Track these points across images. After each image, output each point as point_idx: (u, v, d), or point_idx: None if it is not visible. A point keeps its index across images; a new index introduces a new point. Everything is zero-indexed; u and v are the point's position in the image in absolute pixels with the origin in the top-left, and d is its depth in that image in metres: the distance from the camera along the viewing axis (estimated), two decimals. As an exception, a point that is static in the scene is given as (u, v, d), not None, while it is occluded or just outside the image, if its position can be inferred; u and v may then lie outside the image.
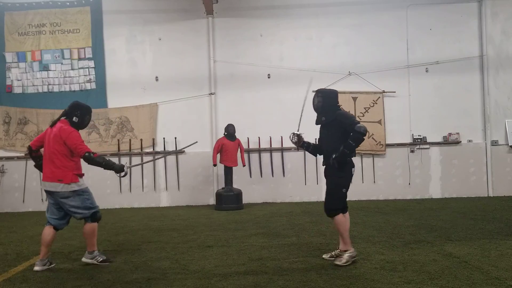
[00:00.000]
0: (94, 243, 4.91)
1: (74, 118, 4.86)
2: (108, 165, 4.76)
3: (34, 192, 10.28)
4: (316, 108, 4.84)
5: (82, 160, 4.72)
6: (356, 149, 4.58)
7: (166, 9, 10.50)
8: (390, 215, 7.82)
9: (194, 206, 10.15)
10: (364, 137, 4.49)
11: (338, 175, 4.63)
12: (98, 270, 4.69)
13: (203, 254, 5.25)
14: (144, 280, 4.26)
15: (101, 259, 4.90)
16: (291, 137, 4.98)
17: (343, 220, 4.68)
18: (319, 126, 4.91)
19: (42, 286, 4.18)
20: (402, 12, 10.41)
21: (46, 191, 4.75)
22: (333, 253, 4.85)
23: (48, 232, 4.75)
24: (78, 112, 4.89)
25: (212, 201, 10.19)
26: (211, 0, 10.01)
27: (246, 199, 9.78)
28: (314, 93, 4.87)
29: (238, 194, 9.40)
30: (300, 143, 5.00)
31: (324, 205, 4.75)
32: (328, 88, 4.99)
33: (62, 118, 4.90)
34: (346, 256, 4.60)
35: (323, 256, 4.89)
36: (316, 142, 5.28)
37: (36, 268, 4.70)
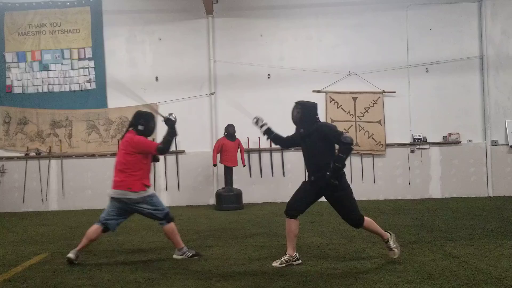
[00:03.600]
0: (179, 240, 5.08)
1: (139, 127, 4.99)
2: (170, 134, 4.93)
3: (34, 192, 10.28)
4: (294, 120, 4.74)
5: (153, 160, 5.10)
6: (357, 149, 4.55)
7: (166, 9, 10.50)
8: (390, 215, 7.82)
9: (194, 206, 10.14)
10: (352, 147, 4.41)
11: (344, 186, 4.52)
12: (98, 270, 4.69)
13: (203, 254, 5.25)
14: (144, 280, 4.26)
15: (191, 254, 5.09)
16: (256, 121, 4.99)
17: (369, 219, 4.65)
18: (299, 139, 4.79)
19: (42, 286, 4.18)
20: (402, 12, 10.41)
21: (114, 198, 4.93)
22: (282, 259, 4.66)
23: (95, 230, 4.97)
24: (142, 119, 5.03)
25: (212, 201, 10.18)
26: (211, 0, 10.01)
27: (246, 199, 9.78)
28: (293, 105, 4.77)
29: (238, 194, 9.40)
30: (262, 128, 4.94)
31: (350, 220, 4.59)
32: (307, 100, 4.90)
33: (130, 129, 5.08)
34: (392, 243, 4.63)
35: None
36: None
37: (70, 255, 4.89)
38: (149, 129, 5.06)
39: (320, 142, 4.52)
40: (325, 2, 10.44)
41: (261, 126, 4.99)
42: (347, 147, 4.36)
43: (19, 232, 7.27)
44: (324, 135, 4.52)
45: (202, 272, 4.49)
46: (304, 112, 4.65)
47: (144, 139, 4.95)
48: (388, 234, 4.69)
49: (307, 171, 4.73)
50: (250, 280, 4.16)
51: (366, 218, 4.62)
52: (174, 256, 5.12)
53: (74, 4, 10.50)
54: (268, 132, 4.98)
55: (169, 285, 4.09)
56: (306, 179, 4.74)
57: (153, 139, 5.14)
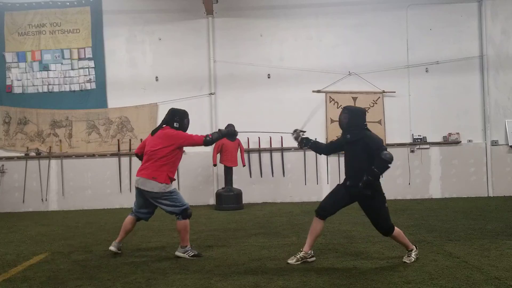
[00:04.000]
0: (187, 238, 5.13)
1: (175, 124, 5.13)
2: (225, 134, 5.41)
3: (34, 192, 10.28)
4: (341, 125, 4.75)
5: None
6: None
7: (166, 9, 10.49)
8: (390, 215, 7.80)
9: (194, 206, 10.10)
10: (390, 165, 4.40)
11: (377, 194, 4.52)
12: (98, 270, 4.69)
13: (203, 254, 5.25)
14: (144, 280, 4.26)
15: (192, 253, 5.12)
16: (293, 133, 5.07)
17: (398, 229, 4.68)
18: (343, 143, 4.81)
19: (42, 286, 4.18)
20: (402, 12, 10.41)
21: (137, 188, 5.06)
22: (298, 256, 4.73)
23: (130, 221, 5.23)
24: (177, 117, 5.16)
25: (212, 201, 10.18)
26: (211, 0, 10.01)
27: (246, 199, 9.77)
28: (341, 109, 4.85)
29: (238, 194, 9.40)
30: (299, 139, 5.00)
31: (380, 228, 4.62)
32: (356, 106, 4.92)
33: (164, 126, 5.16)
34: (413, 254, 4.65)
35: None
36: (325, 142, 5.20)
37: (111, 248, 5.16)
38: (184, 126, 5.20)
39: (362, 151, 4.52)
40: (325, 2, 10.44)
41: (299, 139, 5.02)
42: (384, 165, 4.36)
43: (19, 232, 7.27)
44: (367, 146, 4.50)
45: (202, 272, 4.49)
46: (351, 118, 4.65)
47: (185, 133, 5.14)
48: (414, 247, 4.74)
49: (345, 175, 4.75)
50: (250, 280, 4.16)
51: (396, 228, 4.65)
52: (176, 253, 5.16)
53: (74, 4, 10.50)
54: (306, 143, 5.00)
55: (169, 285, 4.09)
56: (341, 182, 4.78)
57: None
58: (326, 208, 4.66)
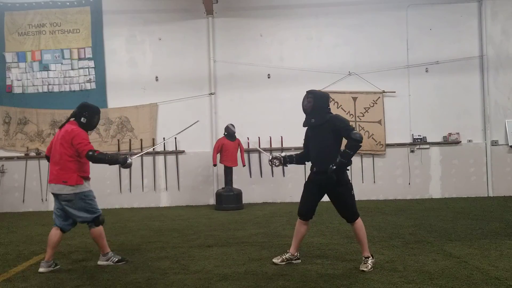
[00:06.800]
0: (105, 244, 4.87)
1: (82, 119, 4.81)
2: (112, 161, 4.77)
3: (34, 192, 10.28)
4: (305, 109, 4.64)
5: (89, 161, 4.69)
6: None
7: (166, 9, 10.50)
8: (390, 215, 7.81)
9: (194, 206, 10.14)
10: (360, 144, 4.36)
11: (345, 181, 4.48)
12: (98, 270, 4.69)
13: (203, 254, 5.25)
14: (144, 280, 4.26)
15: (116, 259, 4.90)
16: (272, 162, 4.93)
17: (362, 223, 4.58)
18: (306, 129, 4.77)
19: (42, 286, 4.18)
20: (402, 12, 10.41)
21: (53, 194, 4.72)
22: (284, 257, 4.73)
23: (54, 233, 4.71)
24: (86, 113, 4.84)
25: (212, 201, 10.18)
26: (211, 0, 10.01)
27: (246, 199, 9.77)
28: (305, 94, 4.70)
29: (238, 194, 9.40)
30: (284, 163, 4.90)
31: (346, 215, 4.54)
32: (319, 90, 4.85)
33: (71, 119, 4.86)
34: (370, 261, 4.46)
35: (274, 260, 4.73)
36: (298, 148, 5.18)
37: (41, 269, 4.63)
38: (92, 124, 4.91)
39: (329, 134, 4.46)
40: (325, 2, 10.44)
41: (282, 160, 4.91)
42: (355, 144, 4.31)
43: (19, 232, 7.27)
44: (334, 127, 4.44)
45: (202, 272, 4.49)
46: (315, 102, 4.57)
47: (82, 136, 4.69)
48: (371, 255, 4.54)
49: (311, 162, 4.70)
50: (250, 280, 4.16)
51: (360, 220, 4.57)
52: (99, 263, 4.88)
53: (74, 4, 10.50)
54: (286, 162, 4.92)
55: (169, 285, 4.09)
56: (309, 174, 4.74)
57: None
58: (305, 212, 4.65)
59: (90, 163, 4.73)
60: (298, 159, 4.95)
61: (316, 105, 4.56)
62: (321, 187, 4.55)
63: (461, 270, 4.27)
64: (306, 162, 4.95)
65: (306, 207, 4.65)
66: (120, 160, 4.82)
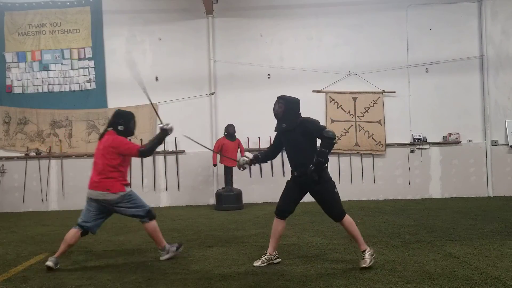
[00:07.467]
0: (161, 238, 5.00)
1: (119, 127, 4.89)
2: (160, 140, 4.93)
3: (34, 192, 10.28)
4: (276, 114, 4.71)
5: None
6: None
7: (166, 9, 10.49)
8: (390, 215, 7.82)
9: (194, 206, 10.14)
10: (334, 141, 4.41)
11: (326, 179, 4.51)
12: (98, 270, 4.69)
13: (203, 254, 5.25)
14: (144, 280, 4.26)
15: (175, 247, 5.08)
16: (243, 166, 4.98)
17: (351, 219, 4.59)
18: (275, 133, 4.82)
19: (42, 286, 4.18)
20: (402, 12, 10.41)
21: (91, 199, 4.80)
22: (263, 258, 4.70)
23: (73, 234, 4.76)
24: (122, 120, 4.92)
25: (212, 201, 10.18)
26: (211, 0, 10.01)
27: (246, 199, 9.77)
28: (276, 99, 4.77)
29: (238, 194, 9.40)
30: (249, 162, 4.96)
31: (332, 214, 4.56)
32: (290, 96, 4.89)
33: (109, 129, 4.93)
34: (367, 255, 4.45)
35: (255, 263, 4.68)
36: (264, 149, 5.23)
37: (49, 263, 4.67)
38: (130, 129, 4.98)
39: (302, 137, 4.52)
40: (325, 2, 10.44)
41: (249, 162, 4.96)
42: (329, 142, 4.36)
43: (19, 232, 7.27)
44: (306, 130, 4.50)
45: (202, 272, 4.49)
46: (286, 106, 4.63)
47: (125, 141, 4.84)
48: (367, 247, 4.53)
49: (290, 167, 4.73)
50: (250, 280, 4.16)
51: (348, 216, 4.57)
52: (161, 258, 5.00)
53: (74, 4, 10.50)
54: (255, 162, 4.99)
55: (169, 285, 4.09)
56: (289, 178, 4.76)
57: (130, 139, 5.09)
58: (283, 208, 4.66)
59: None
60: (263, 159, 5.02)
61: (287, 110, 4.62)
62: (303, 186, 4.59)
63: (461, 270, 4.27)
64: (271, 160, 5.12)
65: (284, 205, 4.66)
66: (163, 134, 4.93)
